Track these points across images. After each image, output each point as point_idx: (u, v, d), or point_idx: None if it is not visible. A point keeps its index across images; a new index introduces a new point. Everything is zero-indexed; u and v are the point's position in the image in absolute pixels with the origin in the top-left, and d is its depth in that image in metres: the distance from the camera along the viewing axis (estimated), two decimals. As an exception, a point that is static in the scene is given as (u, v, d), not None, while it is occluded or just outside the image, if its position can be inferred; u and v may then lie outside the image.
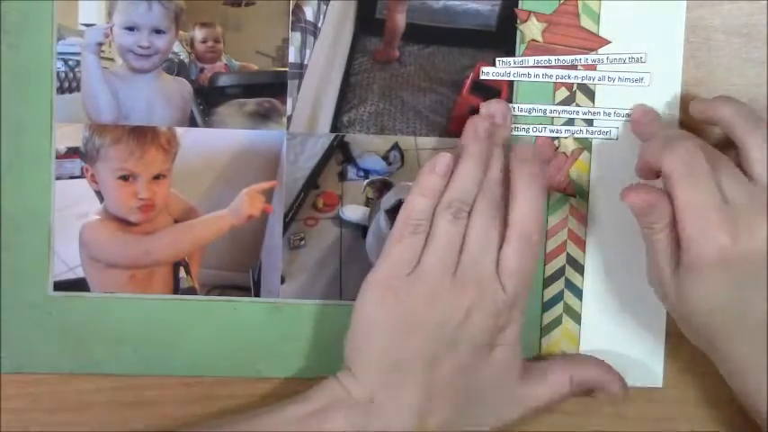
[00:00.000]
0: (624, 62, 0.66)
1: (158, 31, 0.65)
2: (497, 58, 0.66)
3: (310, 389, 0.62)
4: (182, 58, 0.66)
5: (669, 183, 0.59)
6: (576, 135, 0.67)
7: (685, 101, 0.66)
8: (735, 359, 0.60)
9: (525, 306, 0.62)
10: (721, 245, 0.58)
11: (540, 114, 0.66)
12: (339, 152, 0.66)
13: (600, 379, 0.64)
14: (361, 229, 0.67)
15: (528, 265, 0.61)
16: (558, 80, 0.66)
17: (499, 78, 0.66)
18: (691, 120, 0.65)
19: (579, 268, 0.67)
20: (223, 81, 0.66)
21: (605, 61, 0.66)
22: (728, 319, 0.59)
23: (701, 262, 0.59)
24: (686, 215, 0.59)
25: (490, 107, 0.65)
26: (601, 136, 0.66)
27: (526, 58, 0.66)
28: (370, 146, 0.67)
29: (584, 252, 0.67)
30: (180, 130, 0.66)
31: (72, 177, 0.65)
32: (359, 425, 0.60)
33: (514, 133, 0.66)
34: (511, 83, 0.66)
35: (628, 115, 0.66)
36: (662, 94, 0.66)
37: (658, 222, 0.60)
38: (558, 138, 0.67)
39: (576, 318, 0.67)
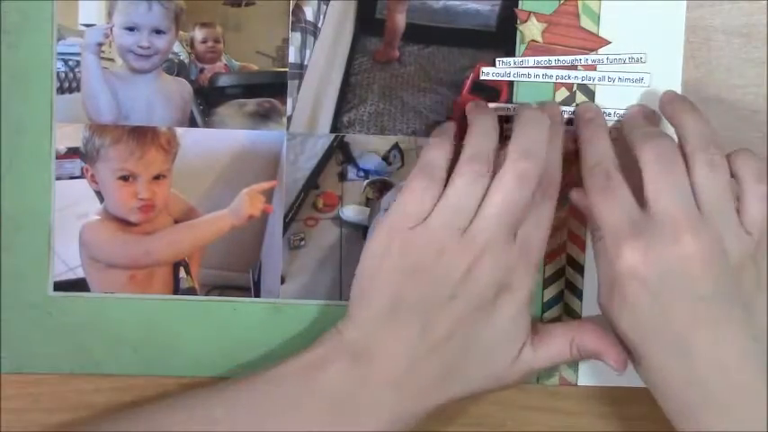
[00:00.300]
0: (624, 62, 0.66)
1: (158, 32, 0.65)
2: (497, 59, 0.66)
3: (314, 341, 0.62)
4: (182, 58, 0.66)
5: (589, 199, 0.61)
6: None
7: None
8: (658, 373, 0.60)
9: (536, 270, 0.61)
10: (634, 259, 0.58)
11: (540, 114, 0.66)
12: (339, 152, 0.66)
13: (600, 349, 0.63)
14: (362, 230, 0.67)
15: (545, 223, 0.61)
16: (557, 80, 0.66)
17: (499, 79, 0.66)
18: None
19: (579, 268, 0.67)
20: (223, 81, 0.66)
21: (605, 61, 0.66)
22: (650, 334, 0.60)
23: (620, 276, 0.59)
24: (604, 232, 0.60)
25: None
26: (601, 136, 0.66)
27: (526, 58, 0.66)
28: (370, 146, 0.67)
29: (584, 252, 0.67)
30: (180, 131, 0.66)
31: (72, 177, 0.65)
32: (353, 374, 0.60)
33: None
34: (511, 83, 0.66)
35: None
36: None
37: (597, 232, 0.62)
38: (558, 138, 0.67)
39: (576, 318, 0.67)
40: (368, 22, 0.66)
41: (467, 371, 0.61)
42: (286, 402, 0.60)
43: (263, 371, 0.61)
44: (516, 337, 0.62)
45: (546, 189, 0.61)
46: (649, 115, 0.65)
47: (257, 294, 0.67)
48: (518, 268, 0.60)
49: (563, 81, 0.66)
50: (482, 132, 0.61)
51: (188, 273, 0.66)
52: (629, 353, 0.62)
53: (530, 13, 0.66)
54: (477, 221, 0.59)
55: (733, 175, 0.60)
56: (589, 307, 0.67)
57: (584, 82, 0.66)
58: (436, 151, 0.60)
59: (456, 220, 0.59)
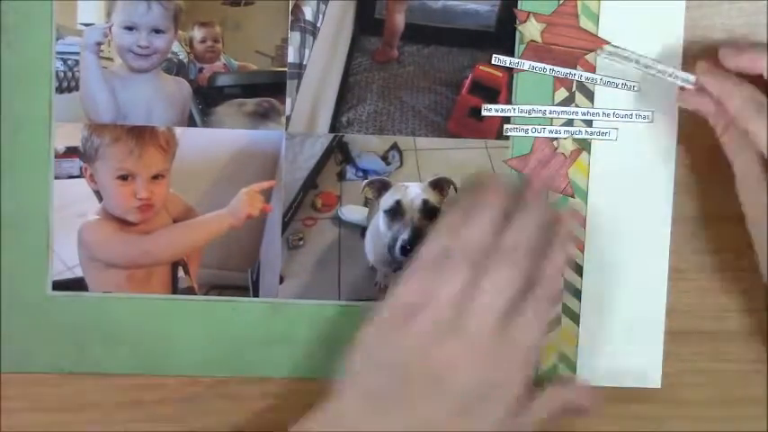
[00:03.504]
0: (617, 87, 0.66)
1: (157, 31, 0.65)
2: (494, 55, 0.66)
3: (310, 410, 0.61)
4: (181, 57, 0.66)
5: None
6: (575, 136, 0.66)
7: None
8: None
9: (527, 371, 0.59)
10: None
11: (540, 115, 0.66)
12: (338, 152, 0.66)
13: (570, 403, 0.62)
14: (360, 230, 0.67)
15: (539, 327, 0.59)
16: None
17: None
18: (691, 116, 0.65)
19: (578, 269, 0.67)
20: (222, 81, 0.66)
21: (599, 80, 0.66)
22: None
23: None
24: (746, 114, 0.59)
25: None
26: (600, 137, 0.66)
27: (522, 61, 0.66)
28: (368, 146, 0.67)
29: (582, 253, 0.67)
30: (179, 130, 0.66)
31: (71, 177, 0.66)
32: None
33: (513, 134, 0.66)
34: (510, 84, 0.66)
35: (627, 115, 0.66)
36: (662, 94, 0.66)
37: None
38: (557, 138, 0.66)
39: (575, 318, 0.67)
40: (367, 21, 0.66)
41: None
42: None
43: None
44: None
45: (543, 295, 0.59)
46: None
47: (256, 294, 0.67)
48: (504, 368, 0.59)
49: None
50: (477, 224, 0.60)
51: (186, 272, 0.66)
52: None
53: (529, 13, 0.66)
54: (466, 317, 0.58)
55: None
56: (588, 307, 0.67)
57: (583, 81, 0.66)
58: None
59: (444, 314, 0.58)
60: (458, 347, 0.58)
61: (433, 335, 0.58)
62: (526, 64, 0.66)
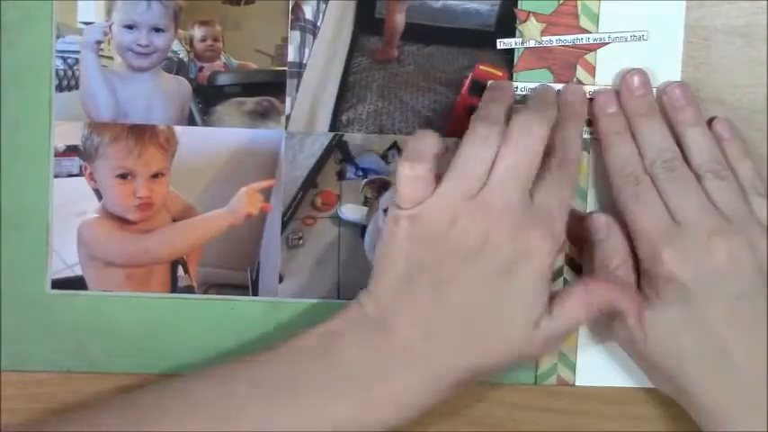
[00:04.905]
0: (626, 40, 0.66)
1: (157, 30, 0.65)
2: (498, 39, 0.66)
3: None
4: (181, 56, 0.66)
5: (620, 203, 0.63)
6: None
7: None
8: (694, 376, 0.61)
9: (556, 239, 0.60)
10: (671, 264, 0.61)
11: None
12: (338, 151, 0.66)
13: (611, 297, 0.61)
14: (360, 229, 0.67)
15: (563, 190, 0.61)
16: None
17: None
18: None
19: (578, 268, 0.67)
20: (222, 80, 0.66)
21: (607, 39, 0.66)
22: (685, 336, 0.61)
23: (657, 279, 0.61)
24: (638, 236, 0.62)
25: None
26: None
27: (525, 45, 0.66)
28: (368, 145, 0.67)
29: (582, 252, 0.67)
30: (179, 129, 0.66)
31: (70, 175, 0.65)
32: (368, 344, 0.59)
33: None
34: (511, 80, 0.66)
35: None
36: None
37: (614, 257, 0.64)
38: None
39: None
40: (367, 21, 0.66)
41: (484, 338, 0.59)
42: (305, 376, 0.59)
43: (284, 343, 0.61)
44: (534, 305, 0.60)
45: (562, 160, 0.61)
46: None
47: (255, 293, 0.67)
48: (535, 233, 0.59)
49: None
50: (494, 98, 0.62)
51: (186, 271, 0.66)
52: (667, 384, 0.63)
53: (529, 12, 0.66)
54: (490, 185, 0.59)
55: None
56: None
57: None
58: (420, 140, 0.60)
59: (465, 186, 0.59)
60: (486, 217, 0.59)
61: (457, 206, 0.59)
62: (531, 43, 0.66)
